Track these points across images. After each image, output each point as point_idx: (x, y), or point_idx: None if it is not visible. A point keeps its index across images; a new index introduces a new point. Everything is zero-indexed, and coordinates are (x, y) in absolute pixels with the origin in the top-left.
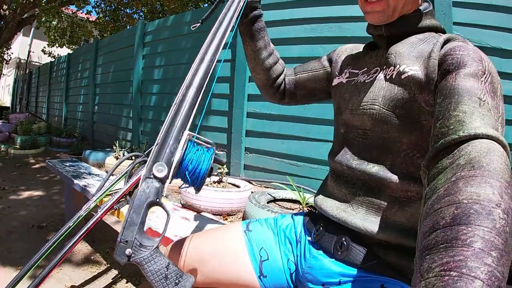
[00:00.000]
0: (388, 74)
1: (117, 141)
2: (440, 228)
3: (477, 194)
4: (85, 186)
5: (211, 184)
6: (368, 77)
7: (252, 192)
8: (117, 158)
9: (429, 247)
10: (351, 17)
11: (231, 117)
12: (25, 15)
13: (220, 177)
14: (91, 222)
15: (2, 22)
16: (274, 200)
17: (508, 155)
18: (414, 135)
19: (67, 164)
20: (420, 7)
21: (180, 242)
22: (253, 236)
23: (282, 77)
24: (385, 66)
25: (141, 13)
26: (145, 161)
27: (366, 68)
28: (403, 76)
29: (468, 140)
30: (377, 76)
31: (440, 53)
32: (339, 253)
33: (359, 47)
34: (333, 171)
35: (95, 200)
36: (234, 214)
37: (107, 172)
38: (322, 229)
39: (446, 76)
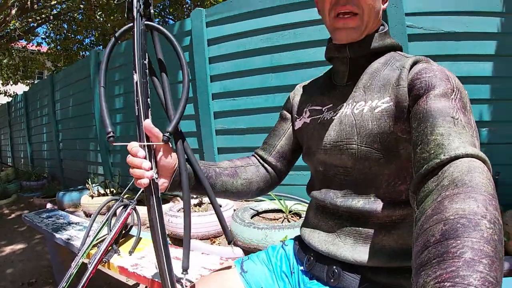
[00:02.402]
0: (357, 109)
1: (89, 178)
2: (431, 245)
3: (462, 209)
4: (68, 239)
5: (192, 208)
6: (335, 114)
7: (234, 210)
8: (92, 197)
9: (423, 264)
10: (304, 22)
11: (200, 136)
12: None
13: (200, 199)
14: (82, 281)
15: None
16: (258, 213)
17: (489, 168)
18: (394, 164)
19: (44, 216)
20: (380, 28)
21: None
22: (250, 277)
23: (260, 172)
24: (351, 101)
25: (92, 38)
26: (125, 205)
27: (331, 104)
28: (376, 111)
29: (450, 161)
30: (344, 111)
31: (408, 79)
32: (332, 280)
33: (314, 83)
34: (317, 204)
35: (82, 255)
36: (221, 235)
37: (85, 214)
38: (313, 259)
39: (417, 101)
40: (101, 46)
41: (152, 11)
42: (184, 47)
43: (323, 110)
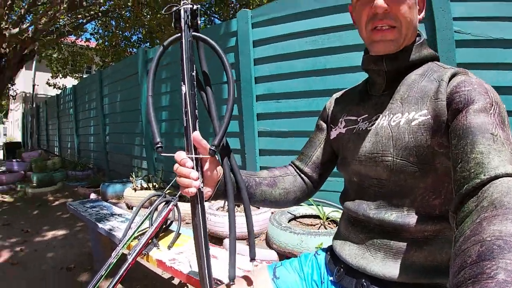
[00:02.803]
0: (394, 121)
1: (133, 172)
2: (468, 266)
3: (499, 231)
4: (111, 230)
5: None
6: (370, 124)
7: (272, 213)
8: (135, 190)
9: (458, 284)
10: (350, 25)
11: (242, 137)
12: (26, 51)
13: None
14: (121, 270)
15: (4, 60)
16: (295, 217)
17: None
18: (430, 178)
19: (88, 206)
20: (417, 39)
21: None
22: (282, 283)
23: (298, 182)
24: (388, 112)
25: (139, 35)
26: (167, 201)
27: (366, 115)
28: (413, 123)
29: (490, 181)
30: (380, 123)
31: (447, 92)
32: None
33: (350, 93)
34: (349, 216)
35: (123, 246)
36: (257, 237)
37: (127, 206)
38: (343, 271)
39: (456, 116)
40: (148, 43)
41: (199, 22)
42: (229, 48)
43: (359, 120)
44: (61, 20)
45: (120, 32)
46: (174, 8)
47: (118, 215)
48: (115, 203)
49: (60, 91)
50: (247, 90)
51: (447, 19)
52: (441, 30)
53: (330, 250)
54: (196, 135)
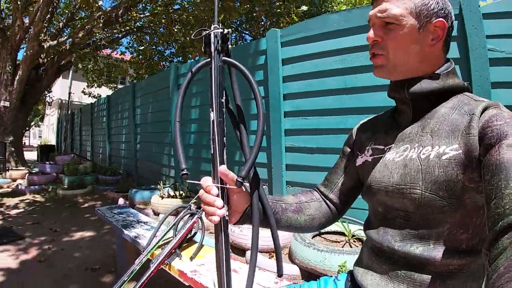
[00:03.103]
0: (424, 154)
1: (161, 181)
2: None
3: None
4: (136, 237)
5: None
6: (398, 155)
7: None
8: (162, 197)
9: None
10: None
11: (269, 152)
12: (63, 62)
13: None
14: (144, 278)
15: (42, 70)
16: (320, 233)
17: None
18: (459, 214)
19: (116, 212)
20: (441, 68)
21: None
22: None
23: (323, 208)
24: (417, 145)
25: (172, 50)
26: (192, 214)
27: (393, 145)
28: (443, 157)
29: None
30: (409, 155)
31: (479, 127)
32: None
33: (377, 120)
34: (373, 245)
35: (147, 254)
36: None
37: (154, 212)
38: None
39: (489, 151)
40: (180, 57)
41: (230, 46)
42: (258, 66)
43: (385, 149)
44: (97, 34)
45: (154, 47)
46: (204, 33)
47: (144, 222)
48: (142, 209)
49: (95, 99)
50: (275, 107)
51: (480, 37)
52: (474, 49)
53: (351, 276)
54: (222, 169)
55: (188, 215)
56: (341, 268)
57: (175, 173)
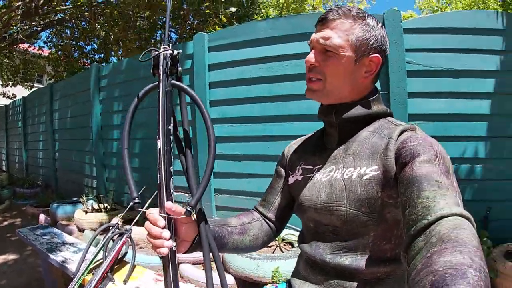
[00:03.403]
0: (347, 175)
1: (83, 193)
2: None
3: (449, 262)
4: (63, 262)
5: None
6: (325, 176)
7: None
8: (86, 212)
9: None
10: (305, 53)
11: (196, 160)
12: None
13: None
14: None
15: None
16: None
17: (473, 225)
18: (380, 227)
19: (39, 233)
20: (367, 96)
21: None
22: None
23: (264, 227)
24: (341, 166)
25: (94, 46)
26: (121, 233)
27: (321, 165)
28: (364, 178)
29: (436, 221)
30: (334, 175)
31: (395, 149)
32: None
33: (308, 141)
34: (307, 258)
35: (78, 281)
36: (212, 260)
37: (78, 229)
38: None
39: (404, 168)
40: (102, 54)
41: (180, 69)
42: (185, 70)
43: (314, 170)
44: (14, 26)
45: (74, 42)
46: (153, 54)
47: (70, 244)
48: (65, 226)
49: (9, 100)
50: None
51: (399, 50)
52: (393, 61)
53: (289, 286)
54: (169, 205)
55: (117, 234)
56: (275, 274)
57: (98, 183)
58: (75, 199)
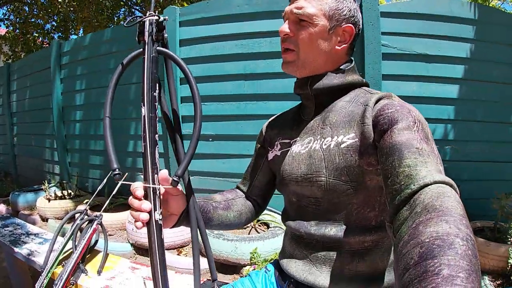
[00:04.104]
0: (325, 145)
1: (45, 179)
2: (411, 267)
3: (436, 232)
4: (29, 254)
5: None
6: (303, 148)
7: None
8: (48, 200)
9: (405, 285)
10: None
11: (166, 141)
12: None
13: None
14: None
15: None
16: None
17: (456, 191)
18: (362, 194)
19: (0, 225)
20: (342, 66)
21: None
22: None
23: (247, 203)
24: (319, 137)
25: (53, 23)
26: (90, 220)
27: (299, 138)
28: (342, 146)
29: (420, 189)
30: (313, 146)
31: (372, 116)
32: None
33: (285, 116)
34: (292, 234)
35: (47, 275)
36: (187, 245)
37: (41, 218)
38: (293, 286)
39: (382, 136)
40: (61, 33)
41: (166, 35)
42: None
43: (292, 143)
44: None
45: (33, 19)
46: (138, 19)
47: (35, 234)
48: (27, 215)
49: None
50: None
51: (375, 33)
52: (369, 43)
53: (277, 266)
54: (163, 174)
55: (86, 222)
56: (253, 255)
57: (61, 169)
58: (36, 187)
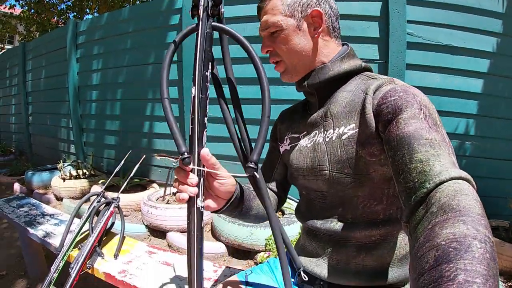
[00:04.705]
0: (327, 137)
1: (60, 159)
2: (426, 271)
3: (452, 234)
4: (45, 236)
5: (174, 201)
6: (309, 141)
7: None
8: (63, 179)
9: None
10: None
11: (182, 122)
12: None
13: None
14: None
15: None
16: None
17: (474, 186)
18: (367, 187)
19: (15, 205)
20: (336, 55)
21: None
22: None
23: (273, 195)
24: (323, 129)
25: (68, 2)
26: (108, 203)
27: (305, 132)
28: (343, 138)
29: (435, 187)
30: (317, 139)
31: (374, 105)
32: None
33: (294, 110)
34: (304, 226)
35: (63, 257)
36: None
37: (56, 197)
38: (302, 276)
39: (388, 127)
40: (76, 12)
41: (222, 10)
42: (171, 26)
43: (300, 137)
44: None
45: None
46: None
47: (51, 215)
48: (42, 195)
49: None
50: (188, 72)
51: (401, 21)
52: (394, 31)
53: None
54: (205, 152)
55: (104, 204)
56: (268, 242)
57: (76, 149)
58: (50, 166)
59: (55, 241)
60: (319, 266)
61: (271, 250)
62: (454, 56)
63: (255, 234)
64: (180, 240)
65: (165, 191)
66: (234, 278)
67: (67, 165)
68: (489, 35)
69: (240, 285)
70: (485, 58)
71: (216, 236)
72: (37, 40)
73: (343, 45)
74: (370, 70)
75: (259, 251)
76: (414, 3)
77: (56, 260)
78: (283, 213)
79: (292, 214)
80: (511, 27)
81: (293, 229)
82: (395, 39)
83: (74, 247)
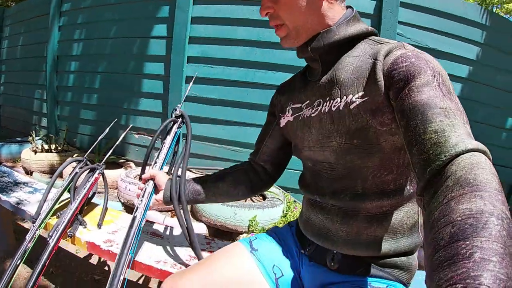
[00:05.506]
0: (334, 106)
1: (32, 131)
2: (441, 248)
3: (469, 210)
4: (18, 204)
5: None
6: (313, 111)
7: None
8: (35, 152)
9: (434, 267)
10: None
11: (166, 100)
12: None
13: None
14: (44, 257)
15: None
16: None
17: (490, 159)
18: (377, 157)
19: None
20: (341, 18)
21: (180, 277)
22: (262, 255)
23: (248, 175)
24: (328, 98)
25: None
26: (92, 169)
27: (308, 101)
28: (351, 106)
29: (451, 160)
30: (322, 109)
31: (384, 71)
32: (332, 264)
33: (294, 80)
34: (308, 198)
35: (40, 225)
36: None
37: (25, 171)
38: (311, 248)
39: (399, 95)
40: None
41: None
42: (166, 2)
43: (302, 107)
44: None
45: None
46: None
47: (24, 183)
48: (10, 167)
49: None
50: (178, 49)
51: (393, 21)
52: (385, 30)
53: (297, 226)
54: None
55: (87, 170)
56: (251, 223)
57: (49, 122)
58: (19, 139)
59: (30, 209)
60: (328, 239)
61: (254, 231)
62: (439, 60)
63: (239, 215)
64: (157, 217)
65: (143, 169)
66: (237, 243)
67: (38, 139)
68: (471, 44)
69: (244, 250)
70: (466, 65)
71: (197, 216)
72: (18, 5)
73: (347, 8)
74: (376, 34)
75: (241, 232)
76: (406, 6)
77: (32, 228)
78: (264, 198)
79: (274, 198)
80: (491, 38)
81: (276, 212)
82: (386, 37)
83: (52, 215)
